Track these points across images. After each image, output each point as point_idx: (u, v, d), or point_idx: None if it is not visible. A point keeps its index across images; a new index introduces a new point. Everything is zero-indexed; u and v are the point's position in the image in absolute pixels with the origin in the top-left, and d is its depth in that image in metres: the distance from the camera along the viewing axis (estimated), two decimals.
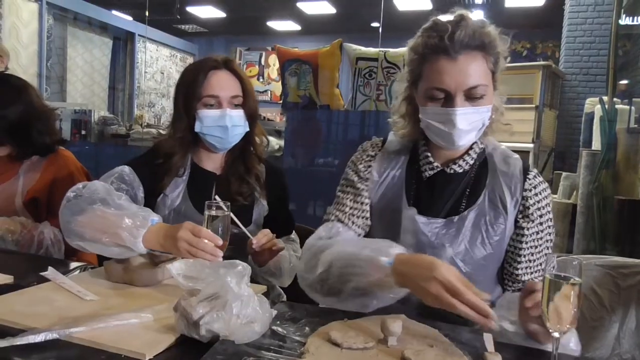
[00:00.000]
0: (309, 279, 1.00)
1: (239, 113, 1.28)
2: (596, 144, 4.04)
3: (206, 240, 0.99)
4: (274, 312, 0.84)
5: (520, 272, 1.06)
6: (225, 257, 1.25)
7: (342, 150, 3.42)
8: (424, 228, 1.04)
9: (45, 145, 1.54)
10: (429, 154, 1.08)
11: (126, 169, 1.27)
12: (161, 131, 4.10)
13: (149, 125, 4.57)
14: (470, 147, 1.07)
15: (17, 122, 1.49)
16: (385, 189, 1.11)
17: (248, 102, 1.30)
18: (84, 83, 7.19)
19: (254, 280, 1.29)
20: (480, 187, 1.07)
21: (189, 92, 1.27)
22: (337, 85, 3.34)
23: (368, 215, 1.12)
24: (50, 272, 1.02)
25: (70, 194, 1.13)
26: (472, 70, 0.95)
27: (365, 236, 1.13)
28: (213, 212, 1.04)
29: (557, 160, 5.12)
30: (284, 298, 1.35)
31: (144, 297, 0.96)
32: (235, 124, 1.26)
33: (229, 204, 1.07)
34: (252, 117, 1.32)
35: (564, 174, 4.23)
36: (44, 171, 1.53)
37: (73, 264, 1.17)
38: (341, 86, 3.40)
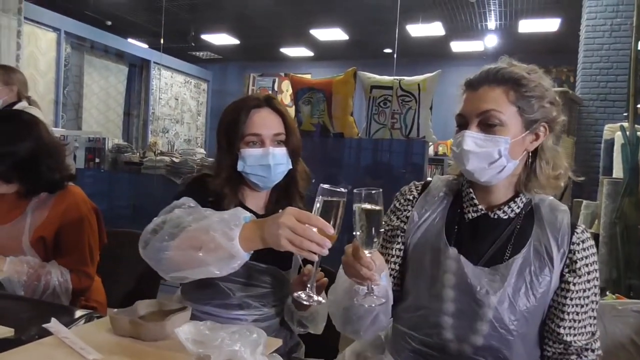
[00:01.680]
0: None
1: (282, 151, 1.24)
2: (617, 172, 3.93)
3: (314, 229, 0.85)
4: None
5: (563, 331, 1.00)
6: (262, 297, 1.20)
7: (356, 178, 3.37)
8: (468, 272, 1.01)
9: (54, 182, 1.50)
10: (474, 197, 1.06)
11: (192, 201, 1.16)
12: (174, 159, 4.08)
13: (162, 153, 4.56)
14: (517, 196, 1.05)
15: (26, 158, 1.45)
16: (426, 230, 1.09)
17: (291, 139, 1.26)
18: (100, 110, 7.28)
19: (285, 325, 1.24)
20: (525, 236, 1.03)
21: (232, 131, 1.24)
22: (351, 114, 3.30)
23: (399, 261, 1.11)
24: (53, 325, 0.96)
25: (148, 230, 1.04)
26: (489, 97, 0.99)
27: (400, 279, 1.12)
28: (328, 198, 0.86)
29: (575, 188, 5.00)
30: (303, 348, 1.28)
31: (151, 355, 0.90)
32: (278, 162, 1.22)
33: (347, 189, 0.88)
34: (295, 153, 1.28)
35: (584, 202, 4.11)
36: (52, 209, 1.48)
37: (78, 313, 1.12)
38: (355, 114, 3.36)
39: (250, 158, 1.21)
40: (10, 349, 0.88)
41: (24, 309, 1.15)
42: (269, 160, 1.21)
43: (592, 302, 1.02)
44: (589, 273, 1.02)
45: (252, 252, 0.95)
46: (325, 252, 0.86)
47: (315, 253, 0.86)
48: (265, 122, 1.23)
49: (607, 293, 3.15)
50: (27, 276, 1.38)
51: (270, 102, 1.27)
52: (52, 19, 5.98)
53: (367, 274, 0.86)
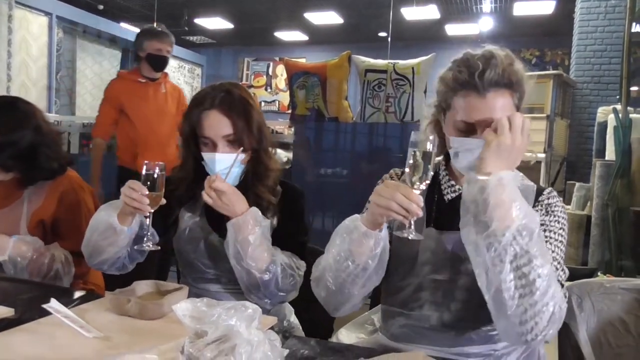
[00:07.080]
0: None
1: (231, 156, 1.22)
2: (610, 154, 3.97)
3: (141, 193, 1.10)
4: (286, 352, 0.80)
5: None
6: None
7: (351, 163, 3.38)
8: (445, 242, 1.04)
9: (52, 170, 1.48)
10: (451, 178, 1.10)
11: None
12: None
13: None
14: None
15: (25, 148, 1.43)
16: None
17: (242, 138, 1.23)
18: (93, 95, 7.21)
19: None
20: None
21: (189, 133, 1.27)
22: (346, 98, 3.31)
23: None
24: (53, 304, 0.98)
25: None
26: (499, 106, 0.96)
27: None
28: (149, 172, 1.14)
29: (568, 170, 5.04)
30: (298, 327, 1.31)
31: (150, 332, 0.92)
32: (227, 166, 1.22)
33: (163, 164, 1.15)
34: (254, 150, 1.27)
35: (577, 184, 4.15)
36: (49, 193, 1.49)
37: (77, 293, 1.14)
38: (350, 98, 3.36)
39: (208, 162, 1.23)
40: (10, 329, 0.91)
41: (24, 290, 1.17)
42: (216, 167, 1.21)
43: (555, 241, 0.99)
44: (550, 220, 1.00)
45: (132, 227, 1.18)
46: (146, 208, 1.11)
47: (141, 210, 1.11)
48: (212, 125, 1.23)
49: (599, 274, 3.21)
50: (32, 260, 1.39)
51: (218, 103, 1.24)
52: (44, 2, 5.89)
53: (416, 210, 0.88)
